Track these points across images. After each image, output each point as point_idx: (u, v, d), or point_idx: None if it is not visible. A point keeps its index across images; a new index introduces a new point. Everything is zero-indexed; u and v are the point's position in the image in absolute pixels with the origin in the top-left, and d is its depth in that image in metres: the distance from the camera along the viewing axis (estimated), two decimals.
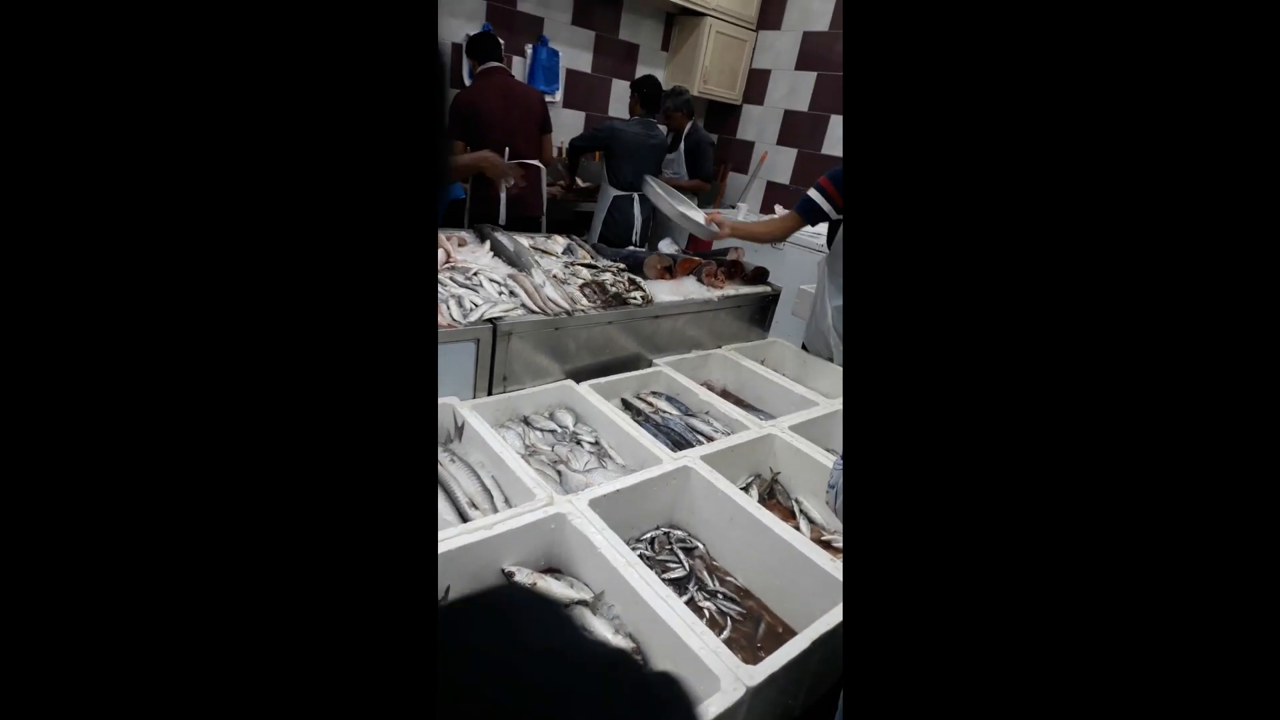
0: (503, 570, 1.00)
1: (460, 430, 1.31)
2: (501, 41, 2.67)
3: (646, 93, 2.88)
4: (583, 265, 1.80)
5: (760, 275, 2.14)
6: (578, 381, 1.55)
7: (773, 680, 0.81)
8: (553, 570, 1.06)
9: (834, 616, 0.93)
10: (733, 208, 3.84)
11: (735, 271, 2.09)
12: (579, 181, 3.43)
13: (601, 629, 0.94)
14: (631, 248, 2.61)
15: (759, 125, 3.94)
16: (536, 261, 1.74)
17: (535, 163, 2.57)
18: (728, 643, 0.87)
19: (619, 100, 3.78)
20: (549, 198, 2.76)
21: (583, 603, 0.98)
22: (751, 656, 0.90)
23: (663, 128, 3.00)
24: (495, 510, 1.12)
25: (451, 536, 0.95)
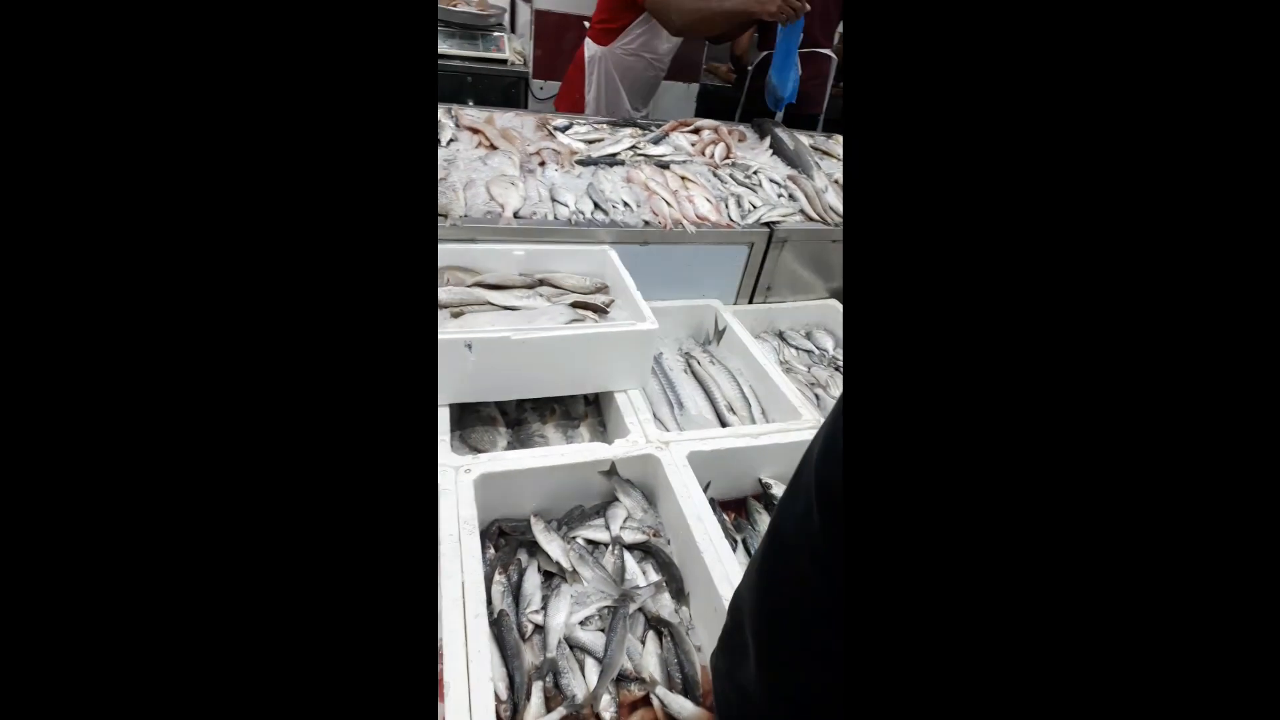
0: (760, 480, 1.00)
1: (720, 334, 1.31)
2: None
3: None
4: None
5: None
6: (841, 302, 1.43)
7: None
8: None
9: None
10: None
11: None
12: None
13: None
14: None
15: None
16: (817, 164, 1.59)
17: (826, 51, 2.29)
18: None
19: None
20: (831, 95, 2.48)
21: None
22: None
23: None
24: (751, 418, 1.12)
25: (716, 437, 0.96)
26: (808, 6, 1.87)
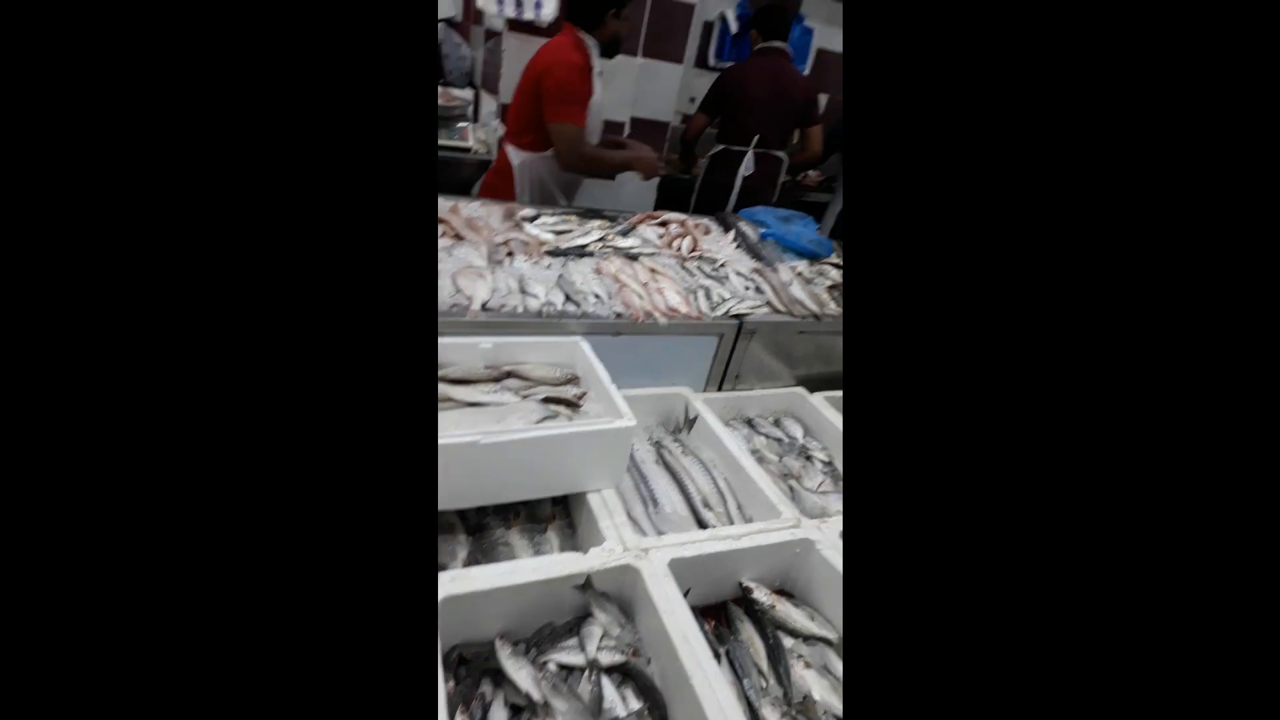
0: (740, 584, 0.95)
1: (691, 423, 1.29)
2: (789, 19, 2.45)
3: None
4: (831, 265, 1.67)
5: None
6: (809, 390, 1.45)
7: None
8: (786, 594, 0.99)
9: None
10: None
11: None
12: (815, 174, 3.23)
13: None
14: None
15: None
16: (781, 256, 1.65)
17: (779, 154, 2.45)
18: None
19: None
20: (781, 187, 2.63)
21: (825, 640, 0.89)
22: None
23: None
24: (728, 514, 1.08)
25: (698, 541, 0.91)
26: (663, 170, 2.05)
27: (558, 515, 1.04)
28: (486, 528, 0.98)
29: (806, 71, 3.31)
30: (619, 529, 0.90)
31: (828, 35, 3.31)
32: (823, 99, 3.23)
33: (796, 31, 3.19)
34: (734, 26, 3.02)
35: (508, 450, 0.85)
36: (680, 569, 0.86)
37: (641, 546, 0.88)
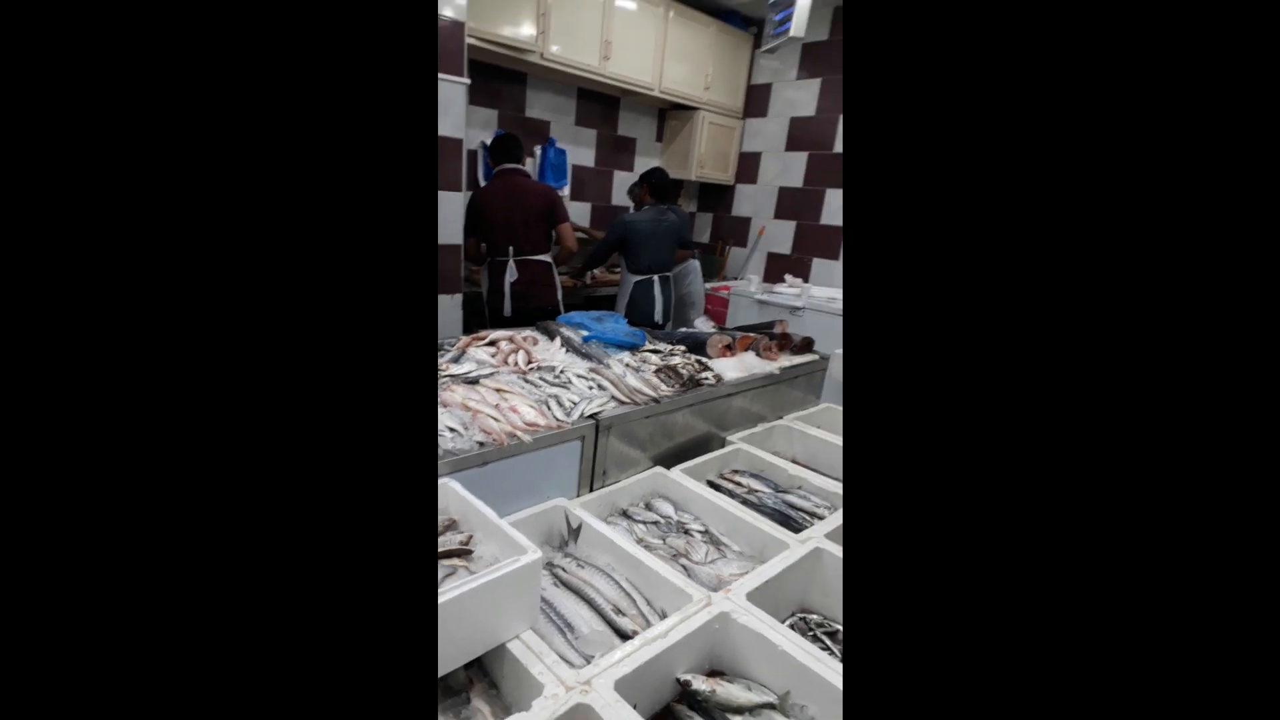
0: (678, 680, 0.96)
1: (576, 532, 1.29)
2: (520, 142, 2.77)
3: (655, 182, 3.05)
4: (649, 351, 1.83)
5: (808, 344, 2.21)
6: (667, 468, 1.55)
7: None
8: (719, 672, 1.02)
9: None
10: (737, 279, 3.99)
11: (785, 343, 2.15)
12: (592, 276, 3.53)
13: None
14: (686, 329, 2.68)
15: (754, 202, 4.17)
16: (606, 352, 1.77)
17: (538, 257, 2.72)
18: None
19: (621, 188, 3.98)
20: (565, 287, 2.88)
21: (769, 706, 0.94)
22: None
23: (674, 213, 3.14)
24: (642, 615, 1.09)
25: (631, 654, 0.91)
26: None
27: (474, 679, 0.94)
28: None
29: (567, 185, 3.70)
30: (553, 669, 0.86)
31: (577, 154, 3.75)
32: (569, 203, 3.63)
33: (552, 152, 3.57)
34: (481, 156, 3.32)
35: None
36: (626, 688, 0.84)
37: (582, 680, 0.84)
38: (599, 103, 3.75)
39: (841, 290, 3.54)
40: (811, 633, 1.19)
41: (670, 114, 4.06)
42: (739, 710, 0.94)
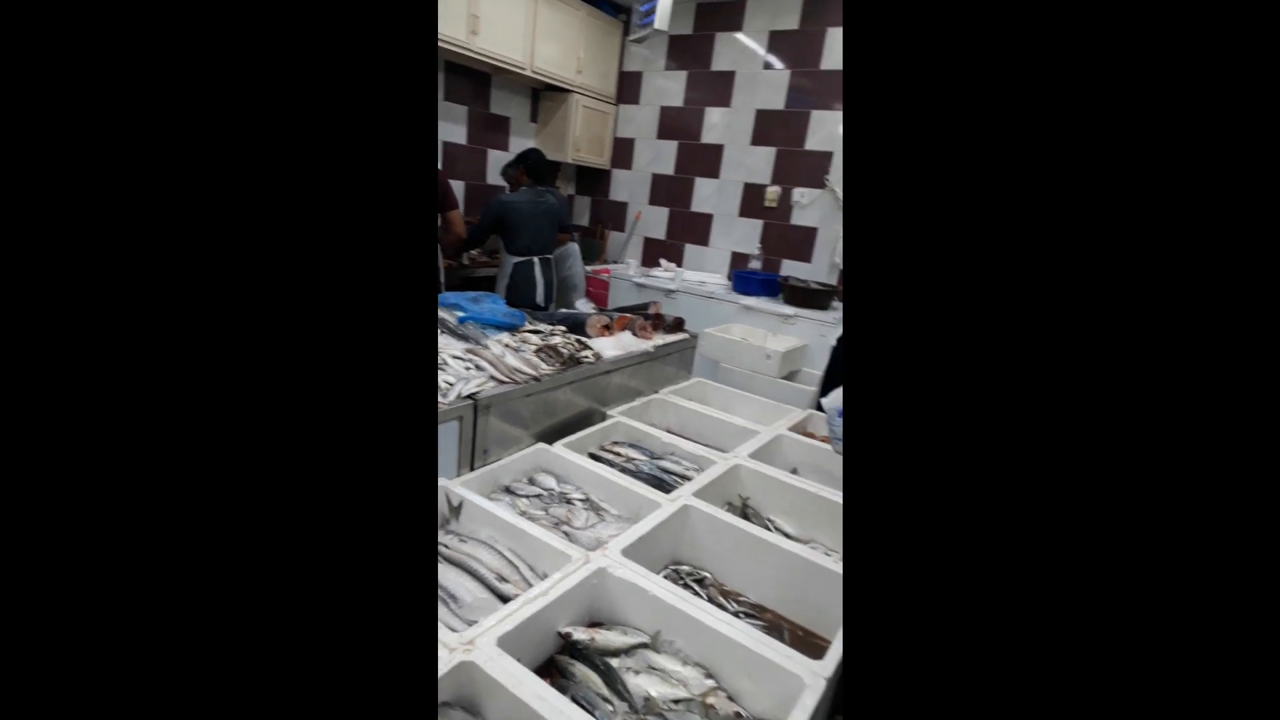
0: (559, 633, 1.02)
1: (457, 510, 1.30)
2: None
3: (532, 163, 3.04)
4: (529, 332, 1.86)
5: (679, 324, 2.35)
6: (549, 443, 1.60)
7: (836, 671, 0.94)
8: (598, 623, 1.10)
9: None
10: (616, 262, 4.09)
11: (659, 323, 2.28)
12: (469, 258, 3.44)
13: (670, 664, 1.00)
14: (567, 310, 2.69)
15: (630, 187, 4.27)
16: (484, 333, 1.77)
17: None
18: None
19: (495, 167, 3.90)
20: (445, 268, 2.79)
21: (644, 645, 1.04)
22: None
23: (552, 195, 3.15)
24: (525, 580, 1.14)
25: (513, 613, 0.96)
26: None
27: None
28: None
29: (439, 163, 3.56)
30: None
31: (448, 130, 3.62)
32: (459, 184, 3.51)
33: None
34: None
35: None
36: (509, 644, 0.89)
37: (465, 640, 0.88)
38: (469, 79, 3.63)
39: (710, 275, 3.76)
40: (682, 581, 1.31)
41: (544, 95, 4.03)
42: (616, 653, 1.03)
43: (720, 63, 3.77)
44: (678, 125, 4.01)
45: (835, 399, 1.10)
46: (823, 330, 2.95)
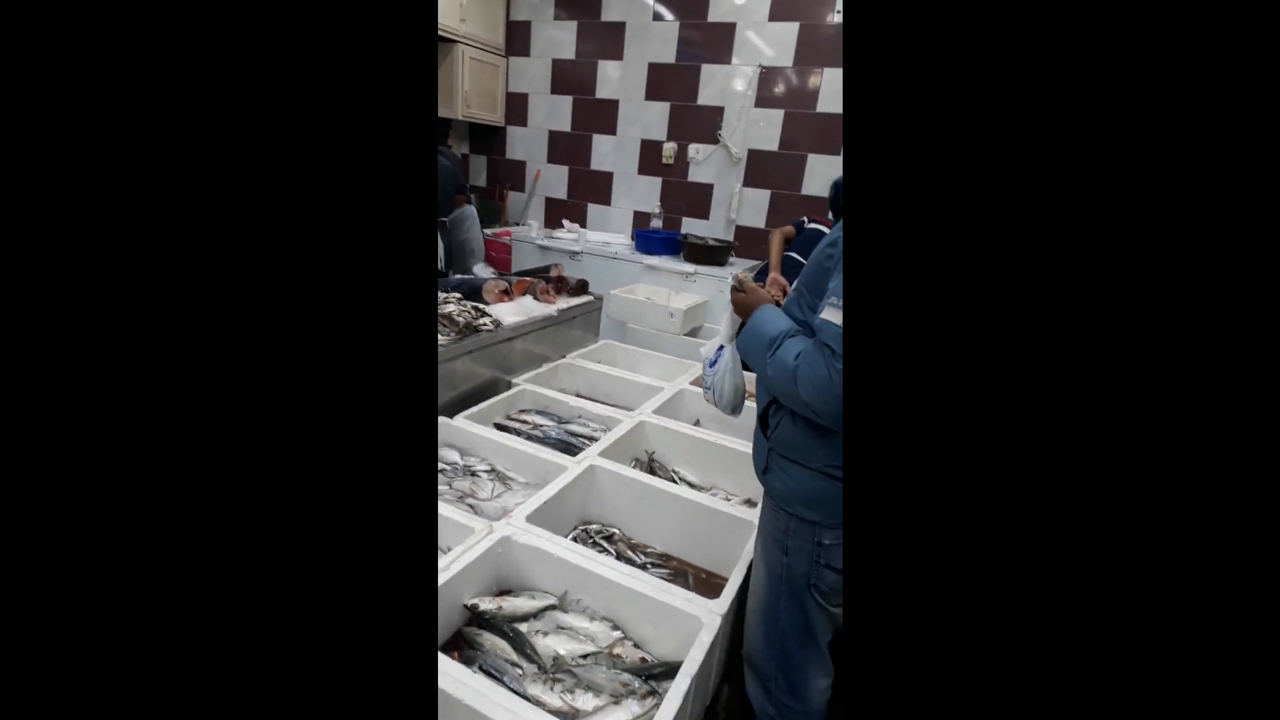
0: (465, 605, 1.02)
1: None
2: None
3: None
4: None
5: (583, 286, 2.33)
6: (449, 416, 1.55)
7: (731, 606, 1.00)
8: (505, 592, 1.11)
9: (751, 551, 1.16)
10: (518, 224, 3.96)
11: (562, 286, 2.24)
12: None
13: (577, 621, 1.03)
14: (462, 276, 2.57)
15: (527, 145, 4.11)
16: None
17: None
18: None
19: None
20: None
21: (551, 607, 1.06)
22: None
23: (444, 155, 2.97)
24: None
25: None
26: None
27: None
28: None
29: None
30: None
31: None
32: None
33: None
34: None
35: None
36: None
37: None
38: None
39: (614, 235, 3.73)
40: (591, 539, 1.34)
41: None
42: (524, 618, 1.04)
43: (610, 13, 3.65)
44: (572, 79, 3.87)
45: (709, 348, 1.15)
46: (721, 286, 3.03)
